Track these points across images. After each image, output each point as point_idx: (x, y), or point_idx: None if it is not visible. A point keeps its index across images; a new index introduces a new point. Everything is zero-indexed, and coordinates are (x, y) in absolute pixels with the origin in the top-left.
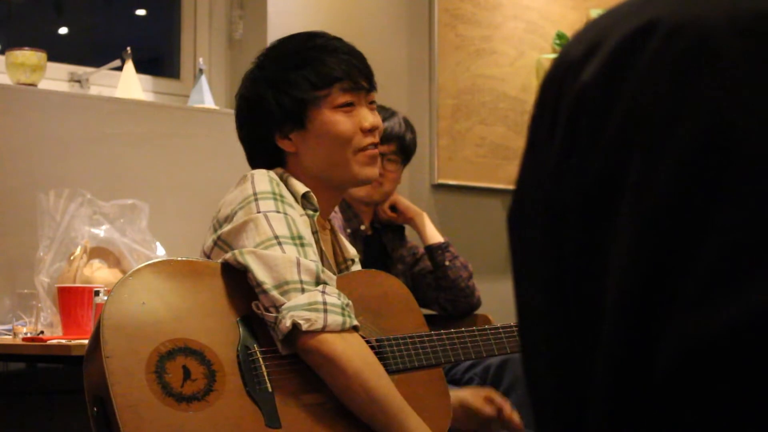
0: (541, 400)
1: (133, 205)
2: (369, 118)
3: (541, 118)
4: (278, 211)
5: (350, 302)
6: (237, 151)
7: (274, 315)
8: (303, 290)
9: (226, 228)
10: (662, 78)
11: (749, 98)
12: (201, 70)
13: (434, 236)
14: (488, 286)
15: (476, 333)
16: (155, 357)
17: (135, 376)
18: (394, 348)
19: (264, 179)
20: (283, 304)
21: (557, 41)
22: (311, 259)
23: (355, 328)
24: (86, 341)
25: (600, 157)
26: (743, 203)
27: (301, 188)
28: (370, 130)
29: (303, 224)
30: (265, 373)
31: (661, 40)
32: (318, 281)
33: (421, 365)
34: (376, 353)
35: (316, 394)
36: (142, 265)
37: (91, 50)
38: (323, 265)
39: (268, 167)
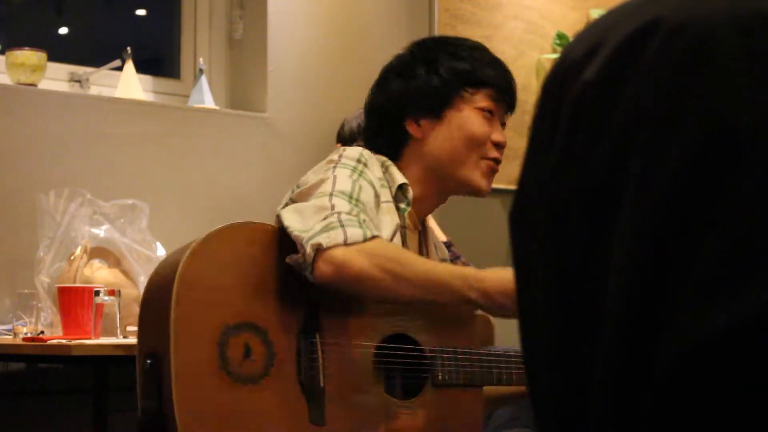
0: (542, 400)
1: (133, 205)
2: (501, 133)
3: (543, 119)
4: (350, 176)
5: (369, 218)
6: (237, 151)
7: (300, 254)
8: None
9: (297, 190)
10: (663, 78)
11: (750, 98)
12: (201, 70)
13: (437, 235)
14: None
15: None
16: (222, 328)
17: (199, 345)
18: (446, 361)
19: (355, 151)
20: (303, 241)
21: (557, 41)
22: (363, 216)
23: (375, 237)
24: (86, 341)
25: (601, 157)
26: (744, 204)
27: (399, 178)
28: (499, 145)
29: (371, 196)
30: (321, 366)
31: (663, 39)
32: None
33: (465, 384)
34: (427, 362)
35: (366, 395)
36: (222, 226)
37: (91, 50)
38: None
39: (387, 148)
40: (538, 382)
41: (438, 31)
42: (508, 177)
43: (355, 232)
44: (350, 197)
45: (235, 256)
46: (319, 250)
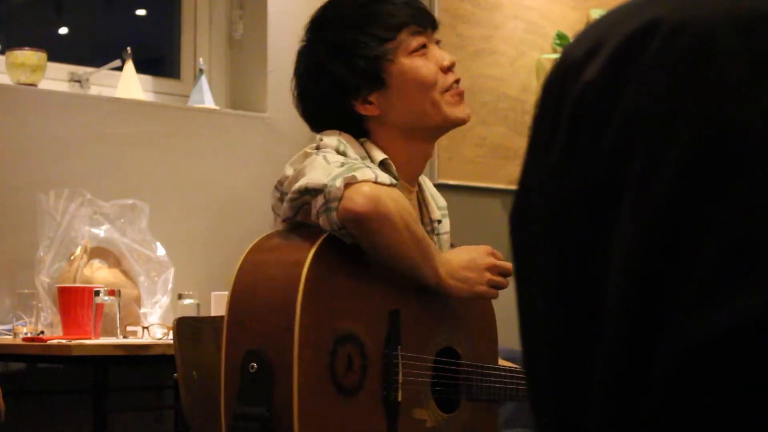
0: (542, 401)
1: (133, 205)
2: (444, 55)
3: (543, 119)
4: (336, 156)
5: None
6: (237, 151)
7: (321, 197)
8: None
9: (286, 182)
10: (663, 78)
11: (750, 98)
12: (201, 70)
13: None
14: None
15: None
16: (334, 337)
17: (318, 355)
18: (482, 376)
19: (332, 140)
20: (326, 182)
21: (557, 41)
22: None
23: (394, 185)
24: (86, 341)
25: (601, 157)
26: (744, 204)
27: (378, 155)
28: (450, 68)
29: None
30: (400, 381)
31: (663, 39)
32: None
33: (489, 399)
34: (464, 376)
35: (423, 410)
36: (327, 235)
37: (91, 50)
38: None
39: (354, 135)
40: (539, 382)
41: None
42: (508, 177)
43: (383, 175)
44: (345, 163)
45: (344, 263)
46: (351, 183)
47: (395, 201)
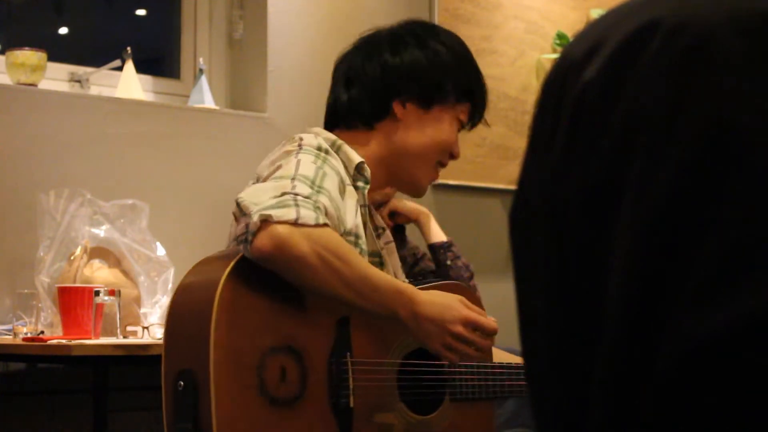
0: (542, 401)
1: (133, 205)
2: (458, 148)
3: (543, 118)
4: (314, 162)
5: (320, 195)
6: (237, 151)
7: (244, 224)
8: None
9: (255, 178)
10: (663, 78)
11: (750, 98)
12: (201, 70)
13: (438, 235)
14: (488, 287)
15: None
16: (260, 351)
17: (239, 370)
18: (464, 375)
19: (313, 139)
20: (252, 210)
21: (557, 41)
22: (323, 201)
23: (327, 225)
24: (86, 341)
25: (601, 157)
26: (743, 204)
27: (355, 158)
28: (453, 157)
29: (336, 183)
30: (351, 387)
31: (662, 39)
32: (310, 198)
33: (480, 397)
34: (446, 376)
35: (389, 414)
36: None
37: (91, 50)
38: (374, 237)
39: (361, 116)
40: (539, 382)
41: None
42: (508, 177)
43: (308, 214)
44: (312, 183)
45: (269, 276)
46: (266, 221)
47: (316, 242)
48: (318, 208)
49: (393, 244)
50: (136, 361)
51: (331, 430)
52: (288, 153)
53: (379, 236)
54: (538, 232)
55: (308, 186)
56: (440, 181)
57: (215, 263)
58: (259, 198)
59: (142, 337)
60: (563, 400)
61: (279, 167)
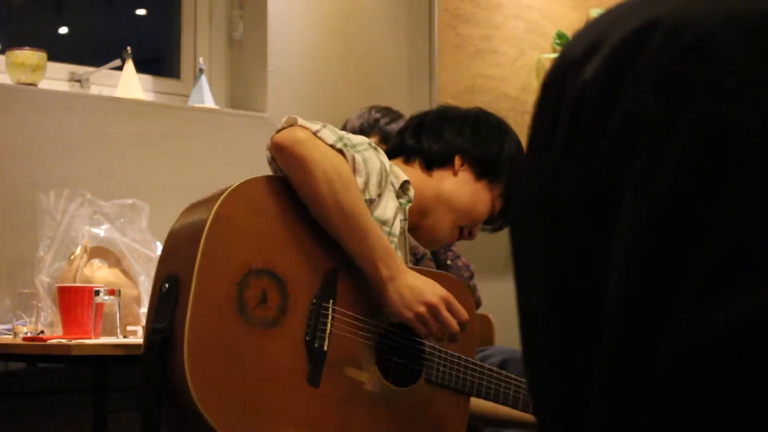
0: (542, 401)
1: (133, 205)
2: (477, 232)
3: (542, 118)
4: (362, 143)
5: (353, 151)
6: (237, 151)
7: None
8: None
9: None
10: (663, 78)
11: (750, 98)
12: (201, 70)
13: None
14: (488, 286)
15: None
16: (245, 269)
17: (221, 280)
18: (443, 361)
19: (363, 137)
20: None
21: (557, 41)
22: (355, 154)
23: (341, 152)
24: (86, 341)
25: (601, 157)
26: (743, 204)
27: (403, 176)
28: (472, 234)
29: (377, 167)
30: (328, 331)
31: (662, 39)
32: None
33: (455, 388)
34: (425, 356)
35: (362, 372)
36: (266, 175)
37: (91, 50)
38: (406, 250)
39: (424, 154)
40: (539, 382)
41: (438, 31)
42: None
43: (328, 135)
44: (354, 146)
45: (271, 205)
46: (292, 124)
47: (324, 156)
48: (342, 142)
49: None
50: (136, 360)
51: (300, 365)
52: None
53: (416, 262)
54: (538, 232)
55: (346, 139)
56: None
57: (222, 187)
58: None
59: (142, 337)
60: (563, 399)
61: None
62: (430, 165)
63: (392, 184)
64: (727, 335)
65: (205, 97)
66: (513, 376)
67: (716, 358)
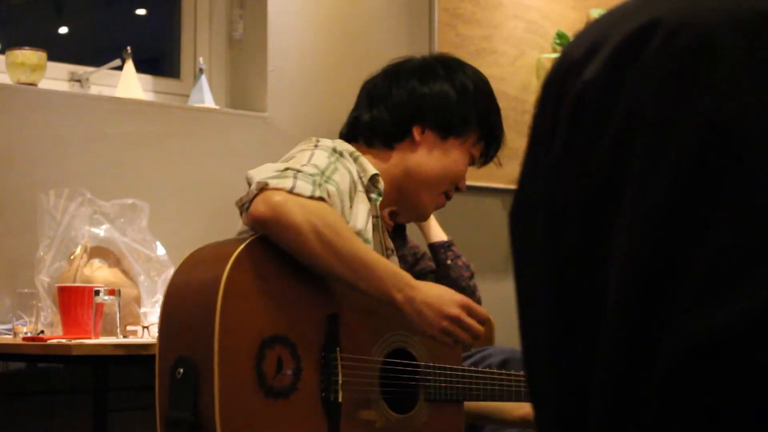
0: (542, 400)
1: (133, 205)
2: (465, 183)
3: (543, 118)
4: (328, 157)
5: (327, 184)
6: (237, 151)
7: (245, 197)
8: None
9: None
10: (663, 77)
11: (750, 98)
12: (201, 70)
13: (438, 234)
14: (488, 286)
15: (520, 378)
16: (259, 339)
17: (241, 358)
18: (437, 377)
19: (329, 141)
20: (254, 180)
21: (557, 41)
22: (328, 187)
23: (322, 199)
24: (86, 341)
25: (601, 156)
26: (743, 203)
27: (371, 169)
28: (459, 189)
29: (346, 181)
30: (339, 382)
31: (662, 39)
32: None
33: (449, 399)
34: (419, 377)
35: (373, 411)
36: (262, 234)
37: (91, 50)
38: (382, 247)
39: (381, 137)
40: (539, 382)
41: (438, 31)
42: (508, 177)
43: (304, 186)
44: (322, 172)
45: (268, 267)
46: (263, 189)
47: (307, 212)
48: (318, 185)
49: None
50: (136, 360)
51: (320, 424)
52: (303, 150)
53: (388, 257)
54: (538, 231)
55: (317, 173)
56: None
57: (222, 246)
58: (262, 171)
59: (142, 337)
60: (563, 399)
61: (292, 157)
62: (389, 142)
63: (361, 182)
64: (727, 335)
65: (205, 97)
66: (505, 372)
67: (716, 358)
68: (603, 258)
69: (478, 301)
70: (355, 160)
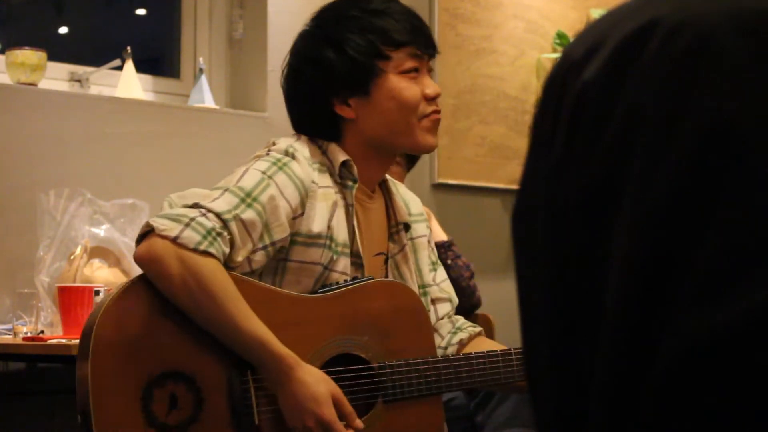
0: (542, 400)
1: (133, 205)
2: (432, 85)
3: (543, 118)
4: (264, 173)
5: (225, 232)
6: (237, 151)
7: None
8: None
9: None
10: (663, 78)
11: (750, 98)
12: (201, 70)
13: (438, 234)
14: (489, 286)
15: (485, 359)
16: (144, 381)
17: (121, 402)
18: (395, 375)
19: (285, 142)
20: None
21: (557, 41)
22: (244, 216)
23: (210, 254)
24: None
25: (601, 156)
26: (744, 203)
27: (341, 156)
28: (434, 98)
29: (289, 191)
30: (254, 404)
31: (662, 39)
32: (220, 218)
33: (420, 394)
34: (376, 379)
35: None
36: (137, 277)
37: (91, 50)
38: (356, 237)
39: (323, 133)
40: (539, 382)
41: (438, 31)
42: (508, 177)
43: (191, 238)
44: (247, 195)
45: (154, 306)
46: (149, 231)
47: (188, 267)
48: (213, 236)
49: (425, 239)
50: None
51: None
52: (251, 159)
53: (391, 234)
54: (539, 231)
55: (237, 199)
56: (440, 180)
57: (101, 301)
58: (174, 202)
59: None
60: (563, 399)
61: (232, 172)
62: (332, 126)
63: (330, 175)
64: (727, 335)
65: (205, 96)
66: (486, 351)
67: (716, 358)
68: (603, 258)
69: (479, 301)
70: (325, 152)
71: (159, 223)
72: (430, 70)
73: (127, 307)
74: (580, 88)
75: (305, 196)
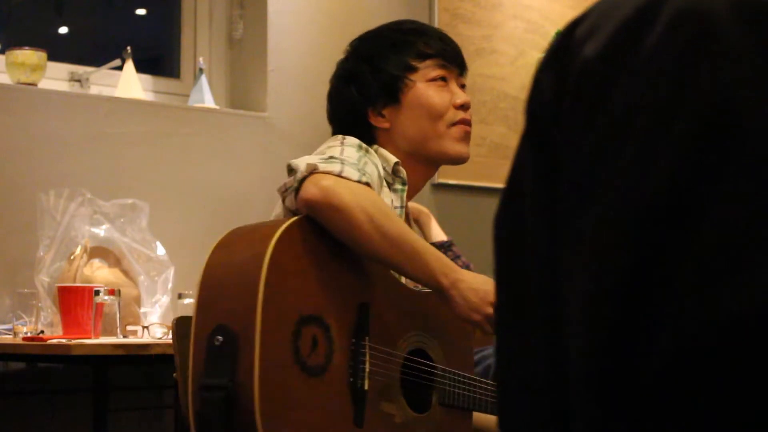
0: (514, 393)
1: (133, 205)
2: (461, 94)
3: (542, 93)
4: (357, 152)
5: (371, 172)
6: (237, 151)
7: (291, 178)
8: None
9: None
10: (665, 64)
11: (750, 85)
12: (201, 70)
13: (438, 234)
14: None
15: None
16: (297, 316)
17: (281, 331)
18: (452, 382)
19: (354, 139)
20: (301, 166)
21: None
22: (368, 169)
23: (368, 185)
24: (86, 341)
25: (598, 135)
26: (744, 188)
27: (392, 158)
28: (463, 106)
29: (375, 176)
30: (367, 370)
31: (664, 27)
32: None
33: (463, 407)
34: (437, 380)
35: (392, 404)
36: (303, 216)
37: (91, 50)
38: None
39: (364, 139)
40: (513, 371)
41: None
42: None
43: (351, 172)
44: (364, 171)
45: (309, 247)
46: (312, 172)
47: (356, 195)
48: (363, 172)
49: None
50: (136, 360)
51: (346, 408)
52: (331, 146)
53: None
54: (527, 216)
55: (354, 166)
56: (440, 180)
57: (263, 226)
58: (306, 159)
59: (142, 337)
60: (540, 398)
61: (322, 153)
62: (371, 138)
63: (386, 174)
64: (731, 324)
65: (205, 96)
66: None
67: (720, 349)
68: (584, 247)
69: None
70: (376, 151)
71: (318, 164)
72: (462, 86)
73: (293, 239)
74: (581, 64)
75: (380, 186)
